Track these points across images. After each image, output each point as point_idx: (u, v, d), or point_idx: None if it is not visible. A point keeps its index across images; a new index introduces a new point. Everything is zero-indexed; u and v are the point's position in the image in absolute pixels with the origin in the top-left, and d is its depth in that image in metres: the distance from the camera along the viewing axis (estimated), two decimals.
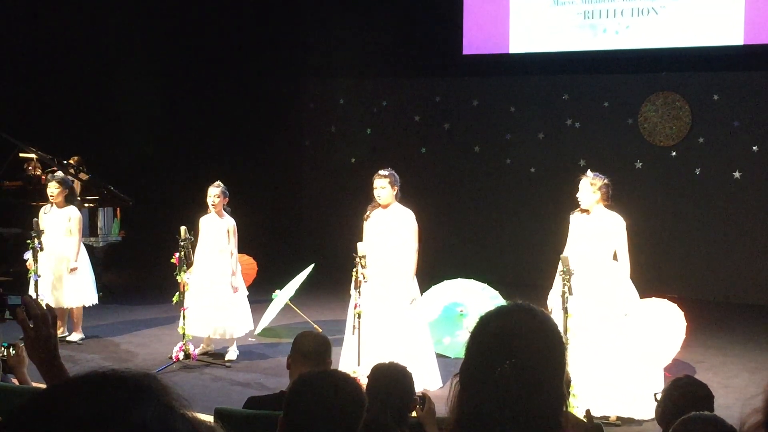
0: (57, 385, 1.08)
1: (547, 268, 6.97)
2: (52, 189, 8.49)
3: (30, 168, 11.02)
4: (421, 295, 7.58)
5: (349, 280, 7.01)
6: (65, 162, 10.71)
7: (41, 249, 8.19)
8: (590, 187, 6.61)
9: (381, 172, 7.28)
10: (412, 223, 7.27)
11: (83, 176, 10.70)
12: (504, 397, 1.80)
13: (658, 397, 4.00)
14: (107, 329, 9.19)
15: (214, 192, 8.04)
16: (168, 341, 8.45)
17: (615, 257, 6.66)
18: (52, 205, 8.55)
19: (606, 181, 6.68)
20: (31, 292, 7.81)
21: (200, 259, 8.06)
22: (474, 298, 8.33)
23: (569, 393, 4.11)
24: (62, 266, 8.48)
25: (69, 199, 8.60)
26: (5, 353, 3.06)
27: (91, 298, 8.78)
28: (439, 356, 7.53)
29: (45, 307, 2.36)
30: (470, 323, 7.97)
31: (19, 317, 2.29)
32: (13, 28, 11.99)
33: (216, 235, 8.07)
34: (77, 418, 0.99)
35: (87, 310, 8.87)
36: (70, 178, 9.42)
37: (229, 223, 8.08)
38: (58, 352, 2.32)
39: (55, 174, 8.82)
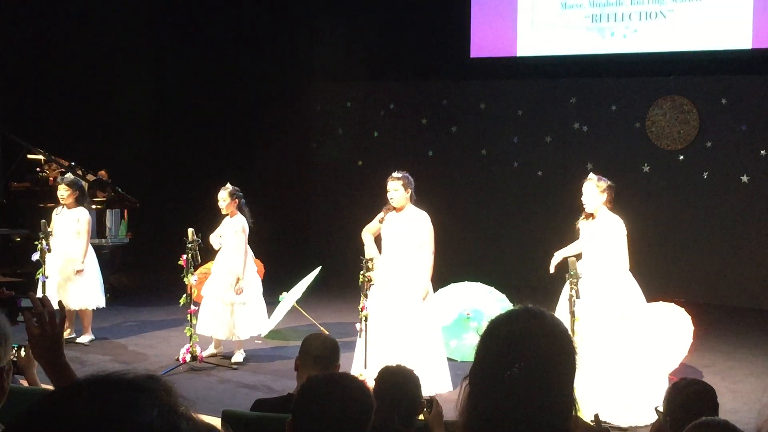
0: (62, 389, 1.09)
1: (554, 271, 6.97)
2: (62, 191, 8.53)
3: (45, 169, 11.03)
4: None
5: (356, 283, 7.00)
6: (73, 163, 10.73)
7: (49, 250, 8.24)
8: (596, 190, 6.61)
9: (394, 174, 7.22)
10: (427, 226, 7.22)
11: (90, 177, 10.72)
12: (513, 401, 1.80)
13: (660, 409, 3.92)
14: (114, 331, 9.21)
15: (222, 195, 8.07)
16: (175, 343, 8.46)
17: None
18: (63, 207, 8.59)
19: (610, 183, 6.68)
20: (39, 293, 7.82)
21: (217, 259, 8.18)
22: (481, 302, 8.32)
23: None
24: (70, 268, 8.51)
25: (80, 201, 8.64)
26: (16, 354, 3.07)
27: (98, 300, 8.79)
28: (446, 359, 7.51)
29: (57, 305, 2.36)
30: (477, 326, 7.97)
31: (25, 316, 2.30)
32: (18, 31, 12.03)
33: (228, 236, 8.12)
34: (82, 420, 1.00)
35: (95, 312, 8.88)
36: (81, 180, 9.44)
37: (238, 223, 8.10)
38: (62, 351, 2.33)
39: (65, 176, 8.83)
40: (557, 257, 7.02)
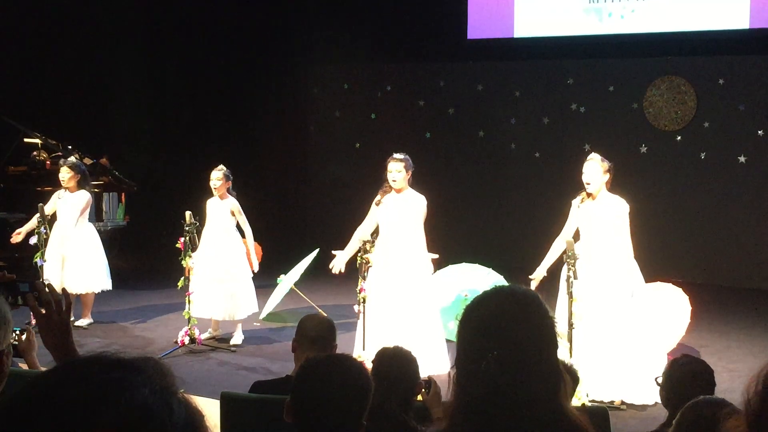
0: (53, 369, 1.10)
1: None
2: (64, 173, 8.49)
3: (35, 154, 11.01)
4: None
5: (354, 265, 7.00)
6: (69, 147, 10.71)
7: (47, 234, 8.23)
8: (600, 169, 6.54)
9: (396, 155, 7.18)
10: (422, 210, 7.23)
11: (87, 161, 10.69)
12: (493, 388, 1.80)
13: (659, 380, 4.01)
14: (113, 314, 9.22)
15: (216, 175, 8.08)
16: (173, 326, 8.48)
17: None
18: (65, 191, 8.57)
19: (611, 163, 6.65)
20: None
21: (205, 241, 8.12)
22: (479, 283, 8.33)
23: (577, 381, 4.11)
24: (74, 251, 8.49)
25: (81, 184, 8.61)
26: (16, 338, 3.08)
27: (103, 283, 8.77)
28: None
29: (60, 293, 2.37)
30: None
31: (30, 303, 2.31)
32: (14, 14, 11.98)
33: (219, 217, 8.12)
34: (75, 399, 1.01)
35: (95, 295, 8.87)
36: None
37: (232, 204, 8.11)
38: (71, 337, 2.34)
39: (68, 159, 8.80)
40: (538, 275, 6.67)
